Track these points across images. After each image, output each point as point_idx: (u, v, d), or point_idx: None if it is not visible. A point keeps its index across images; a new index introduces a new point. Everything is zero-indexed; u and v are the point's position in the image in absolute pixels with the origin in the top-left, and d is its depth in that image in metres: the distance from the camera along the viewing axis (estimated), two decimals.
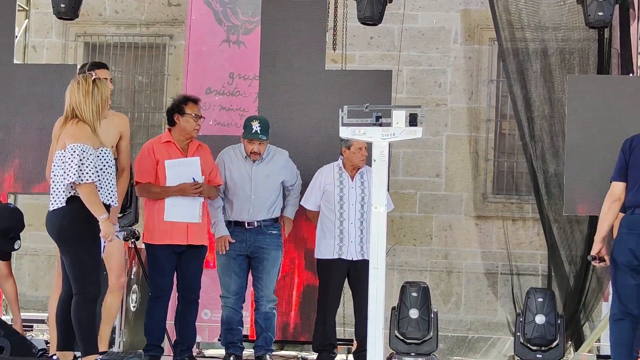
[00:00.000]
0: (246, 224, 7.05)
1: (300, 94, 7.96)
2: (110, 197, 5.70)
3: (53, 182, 5.64)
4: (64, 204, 5.59)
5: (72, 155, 5.55)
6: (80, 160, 5.53)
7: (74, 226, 5.59)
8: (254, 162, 7.09)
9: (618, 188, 5.40)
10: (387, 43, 10.46)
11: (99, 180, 5.61)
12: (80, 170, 5.51)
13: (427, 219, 10.44)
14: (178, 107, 6.88)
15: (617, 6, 7.40)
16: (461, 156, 10.41)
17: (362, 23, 7.82)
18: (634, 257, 5.21)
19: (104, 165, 5.66)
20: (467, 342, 9.75)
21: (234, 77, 9.76)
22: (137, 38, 10.76)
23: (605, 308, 8.04)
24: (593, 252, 5.46)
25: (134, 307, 7.32)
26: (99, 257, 5.72)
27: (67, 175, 5.54)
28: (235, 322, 7.00)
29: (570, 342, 8.04)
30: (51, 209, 5.64)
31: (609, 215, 5.41)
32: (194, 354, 7.13)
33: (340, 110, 5.78)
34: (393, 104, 10.17)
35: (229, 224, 7.08)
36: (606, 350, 7.69)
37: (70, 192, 5.58)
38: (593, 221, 7.69)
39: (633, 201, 5.30)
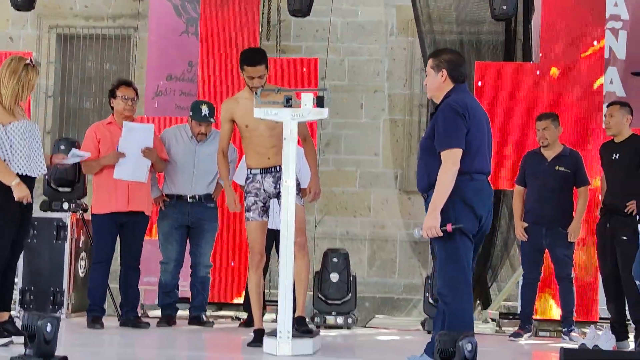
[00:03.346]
0: (188, 198, 6.98)
1: (236, 79, 7.86)
2: (23, 167, 5.48)
3: None
4: None
5: None
6: None
7: None
8: (198, 142, 7.02)
9: (459, 155, 4.49)
10: (330, 36, 10.35)
11: (7, 153, 5.43)
12: None
13: (366, 194, 10.38)
14: (111, 91, 6.81)
15: (520, 0, 7.34)
16: (396, 137, 10.35)
17: (292, 15, 7.72)
18: (479, 223, 4.56)
19: (16, 139, 5.46)
20: (392, 302, 9.74)
21: (193, 65, 9.67)
22: (105, 30, 10.60)
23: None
24: (438, 223, 4.46)
25: (82, 272, 7.23)
26: (11, 225, 5.46)
27: None
28: (172, 286, 6.96)
29: (478, 302, 8.01)
30: None
31: (452, 184, 4.46)
32: (139, 314, 7.08)
33: (254, 93, 5.69)
34: (331, 90, 10.13)
35: (170, 197, 7.01)
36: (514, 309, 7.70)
37: None
38: (497, 193, 7.71)
39: (474, 167, 4.51)
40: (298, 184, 5.77)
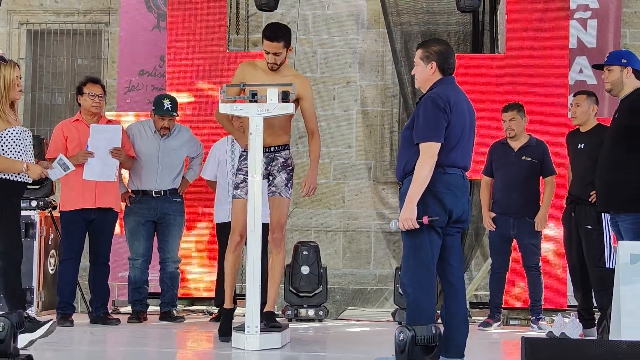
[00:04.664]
0: (153, 193, 6.98)
1: (204, 73, 7.88)
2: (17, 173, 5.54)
3: None
4: None
5: None
6: None
7: None
8: (162, 136, 7.02)
9: (437, 149, 4.43)
10: (302, 28, 10.35)
11: None
12: None
13: (340, 185, 10.40)
14: (79, 89, 6.80)
15: None
16: (369, 129, 10.36)
17: (259, 9, 7.72)
18: (448, 216, 4.50)
19: (10, 146, 5.47)
20: (365, 293, 9.77)
21: (164, 60, 9.68)
22: (76, 25, 10.55)
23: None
24: (414, 215, 4.39)
25: (51, 270, 7.21)
26: (16, 220, 5.57)
27: None
28: (142, 282, 6.95)
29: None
30: None
31: (430, 178, 4.44)
32: (111, 310, 7.08)
33: (219, 88, 5.69)
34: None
35: (136, 192, 7.01)
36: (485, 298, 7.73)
37: None
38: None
39: (449, 161, 4.47)
40: (290, 177, 5.78)
